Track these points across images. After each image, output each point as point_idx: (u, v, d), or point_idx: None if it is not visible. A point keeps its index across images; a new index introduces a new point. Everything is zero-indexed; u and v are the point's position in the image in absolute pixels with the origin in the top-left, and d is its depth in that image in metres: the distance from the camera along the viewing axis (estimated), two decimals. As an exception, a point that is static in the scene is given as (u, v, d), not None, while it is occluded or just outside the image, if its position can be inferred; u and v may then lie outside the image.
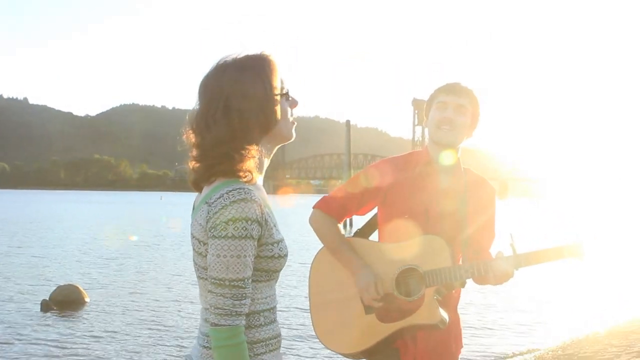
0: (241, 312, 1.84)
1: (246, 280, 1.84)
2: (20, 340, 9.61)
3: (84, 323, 10.87)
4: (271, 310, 1.98)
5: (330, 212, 3.00)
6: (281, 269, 1.98)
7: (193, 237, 1.94)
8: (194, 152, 1.94)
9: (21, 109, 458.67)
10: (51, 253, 21.68)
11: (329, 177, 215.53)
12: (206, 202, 1.87)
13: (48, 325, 10.62)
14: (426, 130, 3.04)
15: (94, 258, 20.59)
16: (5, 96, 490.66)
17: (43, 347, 9.16)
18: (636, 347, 8.31)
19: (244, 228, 1.81)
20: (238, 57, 1.95)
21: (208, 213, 1.85)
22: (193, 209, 2.01)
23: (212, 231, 1.83)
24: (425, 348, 2.90)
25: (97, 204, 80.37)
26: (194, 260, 1.97)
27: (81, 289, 12.89)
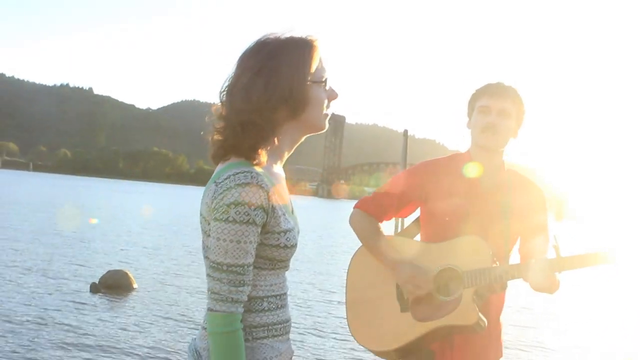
0: (238, 299, 1.77)
1: (245, 267, 1.77)
2: (68, 317, 9.79)
3: (130, 308, 11.01)
4: (278, 297, 1.92)
5: (369, 211, 2.95)
6: (288, 259, 1.92)
7: (201, 214, 1.88)
8: (219, 124, 1.89)
9: (86, 99, 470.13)
10: (105, 239, 22.06)
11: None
12: (214, 182, 1.82)
13: (95, 307, 10.79)
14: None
15: (146, 246, 20.86)
16: (71, 85, 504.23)
17: (88, 327, 9.30)
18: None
19: (246, 213, 1.74)
20: (281, 36, 1.89)
21: (214, 193, 1.79)
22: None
23: (214, 213, 1.77)
24: (462, 354, 2.83)
25: (153, 195, 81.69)
26: (202, 239, 1.91)
27: (130, 275, 13.06)
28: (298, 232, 1.96)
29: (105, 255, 17.69)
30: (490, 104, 2.81)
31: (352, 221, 2.97)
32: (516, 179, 2.92)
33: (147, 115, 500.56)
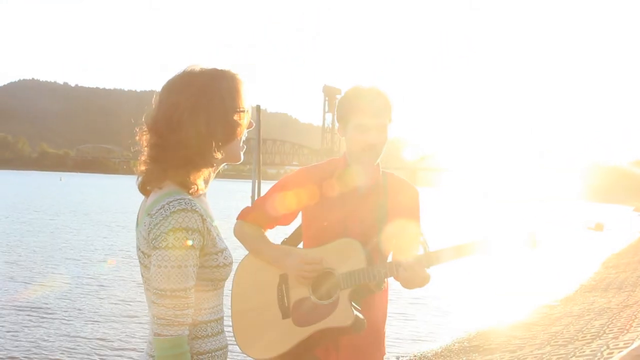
0: (184, 322, 1.84)
1: (188, 290, 1.85)
2: None
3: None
4: (218, 321, 2.02)
5: (252, 222, 3.01)
6: (227, 278, 2.02)
7: (138, 249, 1.95)
8: (150, 152, 1.94)
9: None
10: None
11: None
12: (148, 214, 1.89)
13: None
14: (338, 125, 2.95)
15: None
16: None
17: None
18: (538, 338, 8.65)
19: (185, 238, 1.83)
20: (206, 67, 1.99)
21: (149, 225, 1.87)
22: (137, 220, 2.01)
23: (153, 242, 1.84)
24: (348, 355, 2.89)
25: (-7, 184, 76.96)
26: (141, 273, 1.98)
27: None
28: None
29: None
30: (368, 123, 2.82)
31: (236, 232, 3.01)
32: (392, 181, 3.00)
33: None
